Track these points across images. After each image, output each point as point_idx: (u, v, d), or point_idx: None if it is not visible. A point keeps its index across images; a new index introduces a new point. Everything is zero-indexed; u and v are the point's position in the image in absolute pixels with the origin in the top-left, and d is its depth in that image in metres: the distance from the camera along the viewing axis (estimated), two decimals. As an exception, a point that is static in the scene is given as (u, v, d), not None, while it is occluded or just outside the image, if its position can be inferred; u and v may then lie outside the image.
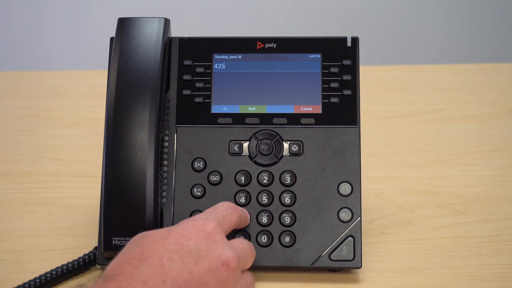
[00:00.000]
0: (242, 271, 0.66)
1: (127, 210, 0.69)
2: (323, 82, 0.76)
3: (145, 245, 0.59)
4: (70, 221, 0.82)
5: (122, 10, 1.93)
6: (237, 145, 0.75)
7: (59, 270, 0.71)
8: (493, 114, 0.99)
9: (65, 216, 0.82)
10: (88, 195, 0.85)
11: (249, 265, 0.67)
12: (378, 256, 0.76)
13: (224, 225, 0.65)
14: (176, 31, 0.79)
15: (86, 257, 0.73)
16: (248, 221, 0.71)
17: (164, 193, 0.73)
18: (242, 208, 0.71)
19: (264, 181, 0.74)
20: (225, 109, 0.76)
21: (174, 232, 0.61)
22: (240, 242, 0.66)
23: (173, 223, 0.72)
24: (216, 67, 0.77)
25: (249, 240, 0.72)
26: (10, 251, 0.77)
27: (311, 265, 0.71)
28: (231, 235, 0.71)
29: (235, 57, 0.77)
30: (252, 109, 0.76)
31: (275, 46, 0.77)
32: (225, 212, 0.67)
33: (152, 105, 0.71)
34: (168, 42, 0.76)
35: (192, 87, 0.76)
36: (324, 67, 0.76)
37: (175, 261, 0.58)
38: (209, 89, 0.76)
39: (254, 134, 0.75)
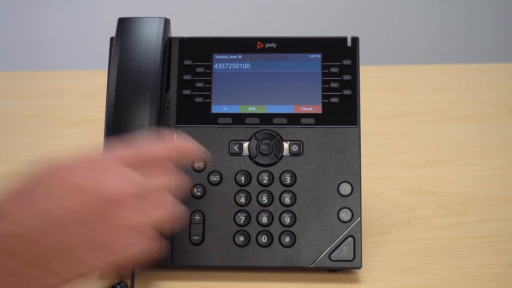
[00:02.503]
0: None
1: None
2: (323, 82, 0.76)
3: (30, 181, 0.56)
4: (70, 221, 0.81)
5: (122, 10, 1.93)
6: (237, 145, 0.75)
7: None
8: (493, 114, 0.99)
9: (65, 216, 0.82)
10: (88, 195, 0.85)
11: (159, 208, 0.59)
12: (378, 256, 0.76)
13: (124, 154, 0.58)
14: (176, 31, 0.79)
15: None
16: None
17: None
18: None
19: (264, 181, 0.74)
20: (225, 109, 0.76)
21: (60, 166, 0.56)
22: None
23: (173, 223, 0.72)
24: (216, 67, 0.77)
25: (249, 240, 0.72)
26: (10, 251, 0.77)
27: (311, 265, 0.71)
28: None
29: (235, 57, 0.77)
30: (252, 109, 0.76)
31: (275, 46, 0.77)
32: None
33: (152, 105, 0.71)
34: (168, 42, 0.76)
35: (192, 87, 0.76)
36: (324, 67, 0.76)
37: (52, 197, 0.54)
38: (209, 89, 0.76)
39: (254, 134, 0.75)
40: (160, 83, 0.73)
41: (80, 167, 0.57)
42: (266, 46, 0.77)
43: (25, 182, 0.56)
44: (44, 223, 0.54)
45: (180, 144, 0.63)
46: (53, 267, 0.54)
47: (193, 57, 0.77)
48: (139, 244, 0.57)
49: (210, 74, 0.77)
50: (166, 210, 0.59)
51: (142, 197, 0.57)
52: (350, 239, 0.72)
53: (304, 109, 0.75)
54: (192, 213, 0.73)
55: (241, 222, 0.73)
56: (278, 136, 0.75)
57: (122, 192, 0.56)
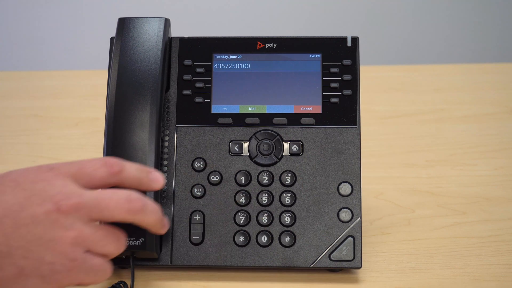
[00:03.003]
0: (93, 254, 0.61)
1: None
2: (323, 82, 0.76)
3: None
4: (70, 221, 0.81)
5: (122, 10, 1.93)
6: (237, 145, 0.75)
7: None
8: (493, 114, 0.99)
9: (65, 216, 0.82)
10: (88, 195, 0.85)
11: (104, 247, 0.62)
12: (378, 256, 0.76)
13: (77, 176, 0.62)
14: (176, 31, 0.79)
15: None
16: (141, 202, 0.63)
17: (164, 193, 0.73)
18: (132, 177, 0.65)
19: (264, 181, 0.74)
20: (225, 109, 0.76)
21: (15, 171, 0.61)
22: (98, 227, 0.62)
23: (173, 223, 0.73)
24: (216, 67, 0.77)
25: (249, 240, 0.72)
26: (10, 251, 0.77)
27: (311, 265, 0.71)
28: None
29: (235, 57, 0.77)
30: (252, 109, 0.76)
31: (275, 46, 0.77)
32: (87, 165, 0.62)
33: (152, 105, 0.71)
34: (168, 42, 0.76)
35: (192, 87, 0.76)
36: (324, 67, 0.76)
37: (7, 194, 0.58)
38: (209, 89, 0.76)
39: (254, 134, 0.75)
40: (160, 83, 0.73)
41: (30, 172, 0.61)
42: (266, 46, 0.77)
43: None
44: (7, 218, 0.57)
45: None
46: (19, 261, 0.57)
47: (193, 57, 0.77)
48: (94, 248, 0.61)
49: (210, 74, 0.77)
50: (118, 216, 0.62)
51: (86, 208, 0.60)
52: (350, 239, 0.72)
53: (304, 109, 0.75)
54: (192, 213, 0.73)
55: (241, 222, 0.73)
56: (278, 136, 0.75)
57: (66, 198, 0.59)
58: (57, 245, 0.59)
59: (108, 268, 0.62)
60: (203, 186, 0.74)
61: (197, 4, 2.03)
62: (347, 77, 0.76)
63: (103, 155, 0.70)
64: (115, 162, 0.63)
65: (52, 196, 0.59)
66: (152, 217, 0.64)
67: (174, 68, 0.77)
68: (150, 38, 0.74)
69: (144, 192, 0.65)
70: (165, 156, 0.74)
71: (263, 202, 0.73)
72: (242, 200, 0.73)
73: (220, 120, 0.75)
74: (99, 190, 0.62)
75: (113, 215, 0.62)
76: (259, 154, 0.74)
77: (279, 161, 0.74)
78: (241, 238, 0.72)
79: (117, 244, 0.63)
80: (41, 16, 2.02)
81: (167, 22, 0.76)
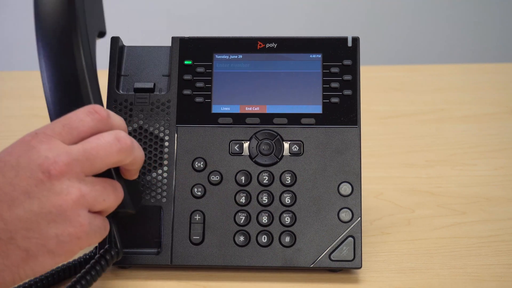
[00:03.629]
0: (95, 213, 0.60)
1: None
2: (324, 82, 0.76)
3: None
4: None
5: (121, 10, 1.93)
6: (238, 145, 0.75)
7: (59, 270, 0.71)
8: (493, 114, 0.99)
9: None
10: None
11: (104, 202, 0.60)
12: (378, 256, 0.76)
13: (63, 134, 0.59)
14: (177, 31, 0.79)
15: (87, 256, 0.73)
16: (127, 142, 0.61)
17: (164, 193, 0.73)
18: (118, 120, 0.63)
19: (264, 181, 0.74)
20: (225, 109, 0.76)
21: (1, 151, 0.58)
22: (88, 142, 0.59)
23: (173, 223, 0.73)
24: (217, 67, 0.77)
25: (249, 240, 0.72)
26: (10, 251, 0.77)
27: (311, 265, 0.71)
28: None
29: (236, 57, 0.77)
30: (252, 109, 0.76)
31: (275, 46, 0.77)
32: (73, 119, 0.60)
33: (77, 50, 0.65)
34: None
35: (193, 87, 0.76)
36: (324, 67, 0.76)
37: None
38: (210, 89, 0.76)
39: (255, 134, 0.75)
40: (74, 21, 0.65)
41: (14, 147, 0.58)
42: (267, 46, 0.77)
43: None
44: (1, 202, 0.55)
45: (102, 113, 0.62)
46: (23, 243, 0.55)
47: (193, 57, 0.77)
48: (90, 204, 0.59)
49: (210, 74, 0.77)
50: (110, 160, 0.60)
51: (77, 164, 0.58)
52: (350, 239, 0.72)
53: (305, 109, 0.75)
54: (192, 213, 0.73)
55: (241, 222, 0.73)
56: (278, 136, 0.75)
57: (54, 162, 0.56)
58: (59, 214, 0.56)
59: (108, 224, 0.61)
60: (203, 186, 0.74)
61: (197, 4, 2.03)
62: (347, 77, 0.76)
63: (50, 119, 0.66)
64: (100, 108, 0.61)
65: (39, 164, 0.56)
66: (140, 152, 0.63)
67: (175, 68, 0.77)
68: None
69: None
70: (165, 156, 0.74)
71: (263, 202, 0.73)
72: (242, 200, 0.73)
73: (221, 120, 0.75)
74: (84, 141, 0.59)
75: (105, 161, 0.59)
76: (259, 154, 0.74)
77: (279, 161, 0.74)
78: (241, 238, 0.72)
79: (115, 194, 0.61)
80: (41, 16, 2.02)
81: None
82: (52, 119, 0.65)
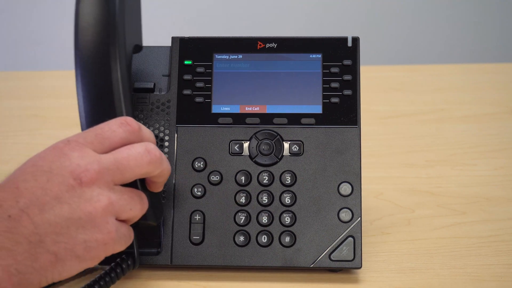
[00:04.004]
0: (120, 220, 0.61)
1: None
2: (324, 82, 0.76)
3: (7, 177, 0.59)
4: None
5: (122, 10, 1.92)
6: (238, 145, 0.75)
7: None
8: (493, 114, 0.99)
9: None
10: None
11: (131, 211, 0.62)
12: (378, 256, 0.76)
13: (95, 143, 0.61)
14: (177, 31, 0.79)
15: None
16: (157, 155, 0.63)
17: (164, 193, 0.73)
18: (148, 133, 0.65)
19: (264, 181, 0.74)
20: (225, 109, 0.76)
21: (35, 156, 0.60)
22: (120, 151, 0.61)
23: (173, 223, 0.73)
24: (217, 67, 0.77)
25: (249, 240, 0.72)
26: (10, 251, 0.77)
27: (311, 265, 0.71)
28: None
29: (236, 57, 0.77)
30: (252, 109, 0.76)
31: (275, 46, 0.77)
32: (105, 129, 0.62)
33: (114, 62, 0.67)
34: None
35: (193, 87, 0.76)
36: (324, 67, 0.76)
37: (29, 181, 0.57)
38: (210, 89, 0.76)
39: (255, 134, 0.75)
40: (114, 34, 0.67)
41: (47, 153, 0.59)
42: (267, 46, 0.77)
43: (9, 175, 0.59)
44: (33, 206, 0.56)
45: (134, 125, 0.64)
46: (52, 247, 0.56)
47: (193, 57, 0.77)
48: (119, 214, 0.60)
49: (210, 74, 0.77)
50: (139, 171, 0.61)
51: (108, 173, 0.59)
52: (350, 239, 0.72)
53: (305, 109, 0.75)
54: (192, 213, 0.73)
55: (241, 222, 0.73)
56: (278, 136, 0.75)
57: (85, 170, 0.58)
58: (88, 221, 0.58)
59: (132, 233, 0.62)
60: (203, 186, 0.74)
61: (197, 4, 2.03)
62: (347, 77, 0.76)
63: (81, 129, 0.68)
64: (132, 120, 0.62)
65: (71, 171, 0.58)
66: (167, 165, 0.64)
67: (175, 68, 0.77)
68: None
69: None
70: (166, 156, 0.74)
71: (263, 202, 0.73)
72: (242, 200, 0.73)
73: (220, 120, 0.75)
74: (115, 151, 0.61)
75: (135, 172, 0.61)
76: (259, 154, 0.74)
77: (279, 161, 0.74)
78: (241, 238, 0.72)
79: (141, 204, 0.63)
80: (41, 16, 2.02)
81: None
82: (83, 128, 0.66)
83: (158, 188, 0.68)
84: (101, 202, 0.58)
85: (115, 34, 0.67)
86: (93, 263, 0.59)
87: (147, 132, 0.64)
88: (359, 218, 0.72)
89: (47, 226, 0.56)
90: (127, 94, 0.68)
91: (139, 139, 0.63)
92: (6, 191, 0.57)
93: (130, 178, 0.61)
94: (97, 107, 0.66)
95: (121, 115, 0.66)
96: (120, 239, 0.60)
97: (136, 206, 0.62)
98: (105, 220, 0.59)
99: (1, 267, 0.54)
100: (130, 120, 0.63)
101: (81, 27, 0.67)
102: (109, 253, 0.60)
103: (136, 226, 0.67)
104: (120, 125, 0.62)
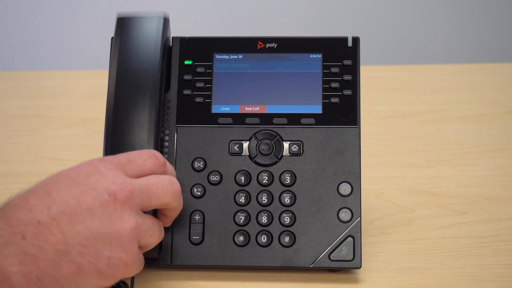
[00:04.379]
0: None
1: None
2: (324, 82, 0.76)
3: (38, 183, 0.60)
4: (70, 221, 0.81)
5: (122, 10, 1.93)
6: (237, 145, 0.75)
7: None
8: (493, 114, 0.99)
9: (65, 216, 0.82)
10: (88, 195, 0.85)
11: (150, 238, 0.63)
12: (378, 256, 0.76)
13: (127, 167, 0.63)
14: (177, 31, 0.79)
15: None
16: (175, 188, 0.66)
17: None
18: (171, 168, 0.68)
19: (264, 181, 0.74)
20: (225, 109, 0.76)
21: (68, 169, 0.61)
22: (148, 178, 0.64)
23: (173, 223, 0.72)
24: (217, 67, 0.77)
25: (249, 240, 0.72)
26: (10, 251, 0.77)
27: (311, 265, 0.71)
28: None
29: (236, 57, 0.77)
30: (252, 109, 0.76)
31: (276, 46, 0.77)
32: (137, 157, 0.65)
33: (151, 105, 0.71)
34: (168, 41, 0.76)
35: (193, 87, 0.76)
36: (324, 67, 0.76)
37: (62, 190, 0.58)
38: (210, 89, 0.76)
39: (254, 134, 0.75)
40: (160, 83, 0.73)
41: (82, 167, 0.61)
42: (267, 46, 0.77)
43: (39, 182, 0.59)
44: (64, 214, 0.57)
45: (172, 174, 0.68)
46: (77, 258, 0.57)
47: (193, 57, 0.77)
48: (146, 235, 0.62)
49: (210, 74, 0.77)
50: (163, 199, 0.64)
51: (139, 196, 0.61)
52: (350, 239, 0.72)
53: (304, 109, 0.75)
54: (192, 213, 0.73)
55: (241, 222, 0.73)
56: (278, 136, 0.75)
57: (120, 188, 0.60)
58: (116, 238, 0.58)
59: (144, 261, 0.63)
60: (203, 186, 0.74)
61: (197, 4, 2.03)
62: (347, 77, 0.76)
63: (103, 155, 0.70)
64: (159, 154, 0.66)
65: (106, 187, 0.59)
66: (181, 202, 0.67)
67: (175, 68, 0.77)
68: (149, 37, 0.74)
69: None
70: (165, 156, 0.74)
71: (263, 202, 0.73)
72: (242, 200, 0.73)
73: (220, 120, 0.75)
74: (145, 177, 0.63)
75: (160, 200, 0.63)
76: (259, 154, 0.74)
77: (279, 161, 0.74)
78: (241, 238, 0.72)
79: (160, 232, 0.64)
80: (41, 16, 2.02)
81: (166, 20, 0.76)
82: (108, 148, 0.70)
83: (168, 222, 0.70)
84: (130, 223, 0.60)
85: (161, 79, 0.74)
86: (110, 282, 0.59)
87: (170, 167, 0.68)
88: (359, 218, 0.72)
89: (75, 236, 0.57)
90: (158, 131, 0.72)
91: (163, 172, 0.66)
92: (38, 197, 0.57)
93: (155, 205, 0.64)
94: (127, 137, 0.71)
95: (151, 147, 0.70)
96: (137, 264, 0.61)
97: (155, 233, 0.63)
98: (130, 241, 0.60)
99: (22, 272, 0.54)
100: (158, 154, 0.66)
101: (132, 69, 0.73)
102: (126, 275, 0.60)
103: None
104: (149, 156, 0.65)
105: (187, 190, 0.73)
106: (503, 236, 0.79)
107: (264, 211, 0.73)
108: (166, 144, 0.74)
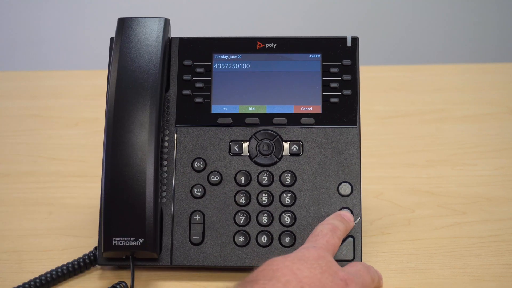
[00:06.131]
0: None
1: (127, 210, 0.69)
2: (323, 82, 0.76)
3: (268, 263, 0.63)
4: (70, 221, 0.82)
5: (122, 10, 1.93)
6: (237, 145, 0.75)
7: (59, 270, 0.71)
8: (493, 114, 0.99)
9: (65, 216, 0.82)
10: (88, 195, 0.85)
11: (369, 282, 0.68)
12: (378, 256, 0.76)
13: (329, 249, 0.68)
14: (176, 31, 0.79)
15: (86, 257, 0.73)
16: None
17: (164, 193, 0.73)
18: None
19: (264, 181, 0.74)
20: (225, 109, 0.76)
21: (290, 255, 0.64)
22: (353, 266, 0.68)
23: (173, 223, 0.72)
24: (216, 67, 0.77)
25: (249, 240, 0.72)
26: (10, 251, 0.77)
27: (311, 265, 0.71)
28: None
29: (235, 57, 0.77)
30: (252, 109, 0.76)
31: (275, 46, 0.77)
32: (327, 237, 0.69)
33: (152, 105, 0.71)
34: (168, 42, 0.76)
35: (192, 87, 0.76)
36: (324, 67, 0.76)
37: (304, 271, 0.62)
38: (209, 89, 0.76)
39: (254, 134, 0.75)
40: (160, 83, 0.73)
41: (306, 255, 0.65)
42: (266, 46, 0.77)
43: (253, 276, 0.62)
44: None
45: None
46: None
47: (193, 57, 0.77)
48: None
49: (210, 74, 0.77)
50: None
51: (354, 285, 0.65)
52: (350, 239, 0.72)
53: (304, 109, 0.75)
54: (192, 213, 0.73)
55: (241, 222, 0.73)
56: (278, 136, 0.75)
57: (348, 278, 0.64)
58: None
59: None
60: (203, 186, 0.74)
61: (197, 4, 2.03)
62: (347, 77, 0.76)
63: (103, 155, 0.70)
64: (376, 272, 0.70)
65: (340, 276, 0.63)
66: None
67: (174, 68, 0.77)
68: (150, 39, 0.74)
69: None
70: (165, 156, 0.74)
71: (263, 202, 0.73)
72: (242, 200, 0.73)
73: (220, 120, 0.75)
74: (351, 266, 0.68)
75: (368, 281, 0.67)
76: (259, 154, 0.74)
77: (279, 161, 0.74)
78: (241, 238, 0.72)
79: None
80: (41, 16, 2.02)
81: (166, 22, 0.76)
82: (108, 148, 0.71)
83: None
84: None
85: (162, 80, 0.74)
86: None
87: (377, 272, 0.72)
88: (359, 218, 0.72)
89: None
90: (159, 131, 0.72)
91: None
92: (286, 274, 0.61)
93: None
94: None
95: (151, 148, 0.71)
96: None
97: None
98: None
99: None
100: (372, 271, 0.69)
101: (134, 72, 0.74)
102: None
103: (132, 256, 0.70)
104: (367, 273, 0.68)
105: (187, 191, 0.73)
106: (503, 236, 0.79)
107: (264, 211, 0.73)
108: (166, 144, 0.74)
